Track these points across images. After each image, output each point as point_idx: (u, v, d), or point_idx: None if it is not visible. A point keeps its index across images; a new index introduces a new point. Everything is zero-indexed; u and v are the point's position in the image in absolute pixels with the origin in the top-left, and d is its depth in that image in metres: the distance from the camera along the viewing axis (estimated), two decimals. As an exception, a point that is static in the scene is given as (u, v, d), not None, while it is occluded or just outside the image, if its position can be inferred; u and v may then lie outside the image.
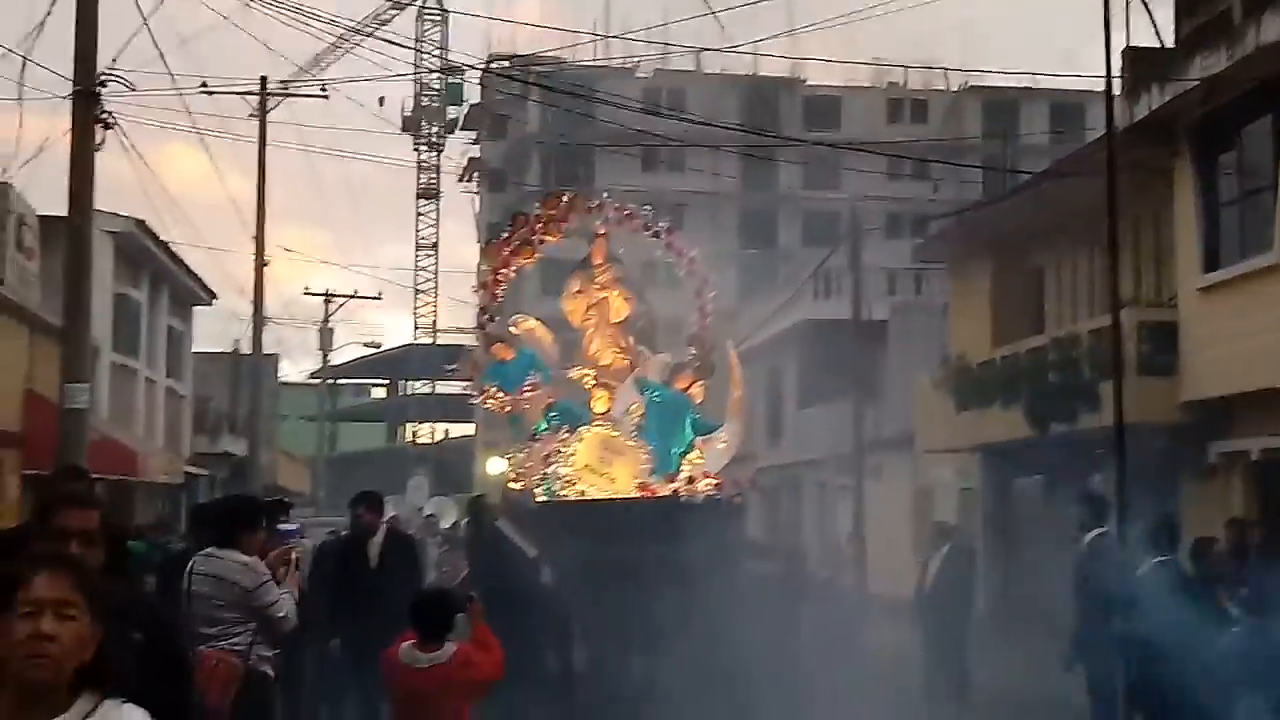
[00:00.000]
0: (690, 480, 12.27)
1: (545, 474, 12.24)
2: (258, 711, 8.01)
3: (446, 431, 74.86)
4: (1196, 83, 17.02)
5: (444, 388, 73.62)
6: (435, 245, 72.37)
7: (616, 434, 12.44)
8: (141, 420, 28.36)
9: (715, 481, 12.45)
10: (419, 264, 71.88)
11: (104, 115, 16.60)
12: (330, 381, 58.23)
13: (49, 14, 16.60)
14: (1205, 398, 18.27)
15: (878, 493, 30.66)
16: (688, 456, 12.50)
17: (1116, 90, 18.04)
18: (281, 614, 7.84)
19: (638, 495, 12.10)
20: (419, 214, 72.15)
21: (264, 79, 31.20)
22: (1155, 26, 18.70)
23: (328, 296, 49.16)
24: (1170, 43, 18.99)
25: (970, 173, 45.91)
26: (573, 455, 12.30)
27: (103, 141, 16.67)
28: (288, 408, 56.02)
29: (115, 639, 3.78)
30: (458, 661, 7.17)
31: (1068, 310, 23.91)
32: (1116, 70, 18.86)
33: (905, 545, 28.90)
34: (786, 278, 43.92)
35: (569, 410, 12.77)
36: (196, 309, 34.23)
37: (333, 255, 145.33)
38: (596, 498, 12.15)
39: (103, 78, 16.58)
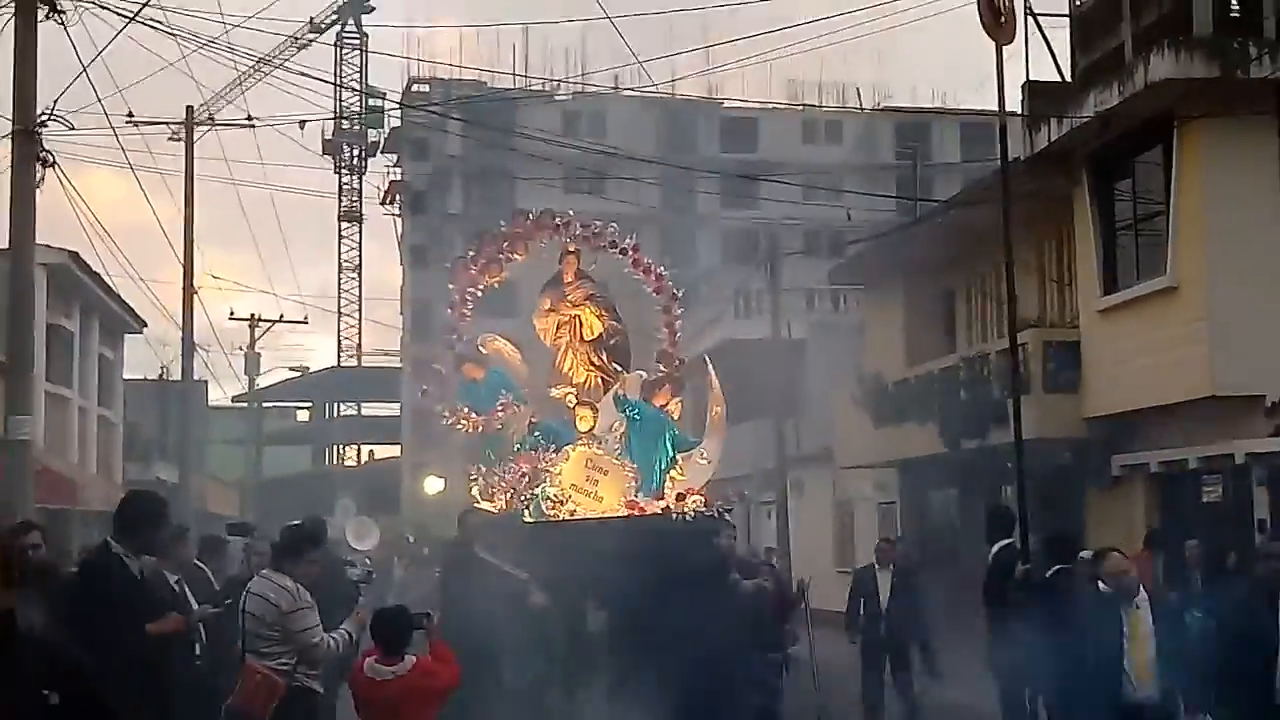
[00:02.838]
0: (680, 497, 12.23)
1: (533, 494, 12.12)
2: None
3: (371, 453, 75.03)
4: (1090, 117, 17.98)
5: (369, 410, 73.91)
6: (359, 268, 72.56)
7: (601, 452, 12.37)
8: (75, 449, 28.61)
9: (703, 497, 12.44)
10: (342, 287, 72.08)
11: (43, 154, 16.92)
12: (257, 405, 58.33)
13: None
14: (1107, 413, 19.22)
15: (801, 508, 31.47)
16: (670, 474, 12.50)
17: (1019, 122, 19.08)
18: (314, 641, 8.30)
19: (631, 513, 11.99)
20: (342, 237, 72.34)
21: (190, 109, 31.53)
22: (1056, 63, 19.70)
23: (254, 321, 49.34)
24: (1069, 76, 20.00)
25: (885, 191, 47.04)
26: (559, 475, 12.19)
27: (43, 178, 16.99)
28: (213, 432, 56.07)
29: (23, 700, 3.76)
30: (418, 672, 7.83)
31: (977, 330, 24.88)
32: (1018, 105, 19.94)
33: (828, 559, 29.75)
34: (707, 297, 44.72)
35: (552, 429, 12.68)
36: (127, 337, 34.45)
37: (257, 279, 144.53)
38: (599, 516, 11.98)
39: (42, 117, 16.92)
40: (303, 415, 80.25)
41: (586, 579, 11.26)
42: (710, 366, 13.83)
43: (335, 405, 74.28)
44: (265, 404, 64.48)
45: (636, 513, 12.04)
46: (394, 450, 67.72)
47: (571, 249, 13.34)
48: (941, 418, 22.25)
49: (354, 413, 73.53)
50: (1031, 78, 20.08)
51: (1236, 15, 17.88)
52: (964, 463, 22.35)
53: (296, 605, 8.30)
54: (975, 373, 21.49)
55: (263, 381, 56.17)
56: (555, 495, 12.07)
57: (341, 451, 74.97)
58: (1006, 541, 13.40)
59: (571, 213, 13.92)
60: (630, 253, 13.50)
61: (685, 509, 12.17)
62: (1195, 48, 17.01)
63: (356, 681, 7.95)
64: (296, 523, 9.74)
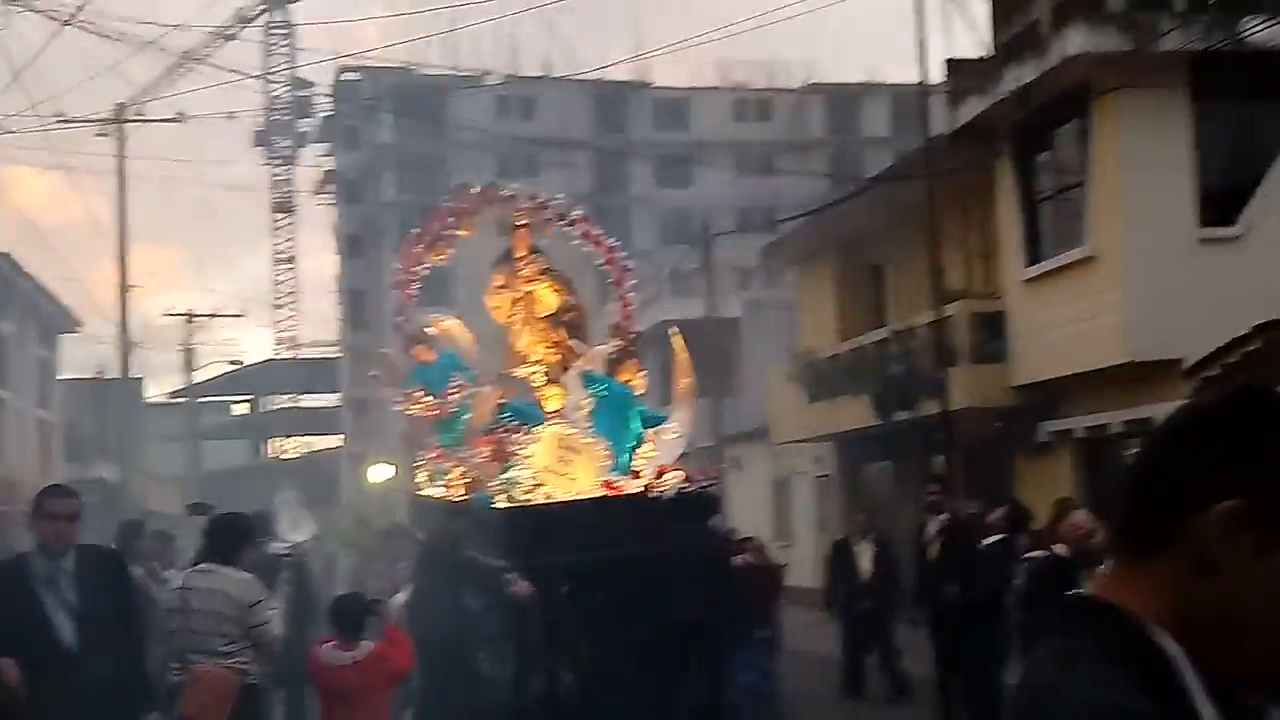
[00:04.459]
0: (659, 474, 11.65)
1: (500, 479, 11.52)
2: None
3: (309, 445, 74.88)
4: (1009, 94, 18.42)
5: (307, 401, 73.73)
6: (292, 259, 72.25)
7: (573, 432, 11.81)
8: (14, 450, 28.60)
9: (681, 473, 11.87)
10: (278, 279, 71.76)
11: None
12: (194, 401, 58.16)
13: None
14: (1033, 381, 19.69)
15: (739, 484, 31.86)
16: (638, 450, 11.92)
17: (941, 97, 19.50)
18: (277, 633, 8.07)
19: (613, 494, 11.40)
20: (276, 228, 71.99)
21: (121, 105, 31.56)
22: (980, 38, 20.12)
23: (189, 317, 49.21)
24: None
25: (817, 168, 47.57)
26: (530, 457, 11.60)
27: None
28: (150, 429, 55.82)
29: None
30: (374, 657, 8.12)
31: (907, 304, 25.29)
32: (940, 79, 20.37)
33: (768, 535, 30.12)
34: (643, 278, 45.00)
35: (521, 410, 12.15)
36: (62, 336, 34.38)
37: (192, 274, 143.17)
38: (586, 497, 11.41)
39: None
40: (240, 410, 79.93)
41: (573, 565, 10.76)
42: (680, 338, 13.21)
43: (272, 398, 74.09)
44: (202, 399, 64.25)
45: (613, 493, 11.46)
46: (334, 441, 67.69)
47: (522, 223, 12.76)
48: (873, 391, 22.65)
49: (291, 405, 73.34)
50: (954, 54, 20.49)
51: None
52: (897, 435, 22.76)
53: (259, 596, 7.94)
54: (904, 346, 21.90)
55: (200, 377, 56.04)
56: (527, 479, 11.48)
57: (280, 444, 74.84)
58: (945, 517, 13.80)
59: (518, 185, 13.50)
60: (579, 224, 12.90)
61: (666, 487, 11.58)
62: (1108, 21, 17.46)
63: (315, 668, 8.23)
64: (229, 513, 9.07)
